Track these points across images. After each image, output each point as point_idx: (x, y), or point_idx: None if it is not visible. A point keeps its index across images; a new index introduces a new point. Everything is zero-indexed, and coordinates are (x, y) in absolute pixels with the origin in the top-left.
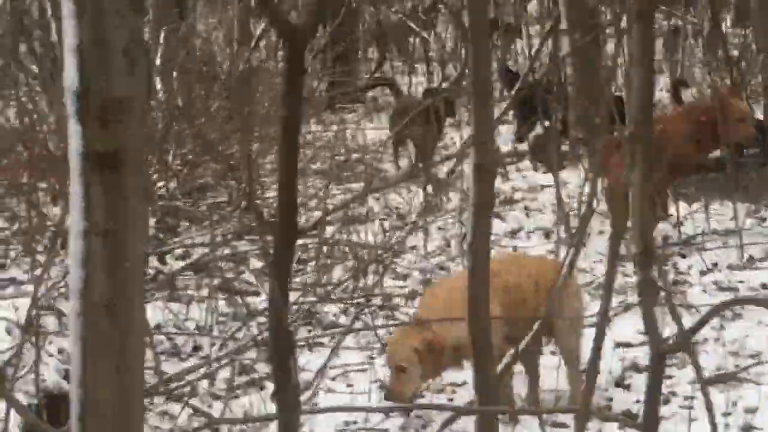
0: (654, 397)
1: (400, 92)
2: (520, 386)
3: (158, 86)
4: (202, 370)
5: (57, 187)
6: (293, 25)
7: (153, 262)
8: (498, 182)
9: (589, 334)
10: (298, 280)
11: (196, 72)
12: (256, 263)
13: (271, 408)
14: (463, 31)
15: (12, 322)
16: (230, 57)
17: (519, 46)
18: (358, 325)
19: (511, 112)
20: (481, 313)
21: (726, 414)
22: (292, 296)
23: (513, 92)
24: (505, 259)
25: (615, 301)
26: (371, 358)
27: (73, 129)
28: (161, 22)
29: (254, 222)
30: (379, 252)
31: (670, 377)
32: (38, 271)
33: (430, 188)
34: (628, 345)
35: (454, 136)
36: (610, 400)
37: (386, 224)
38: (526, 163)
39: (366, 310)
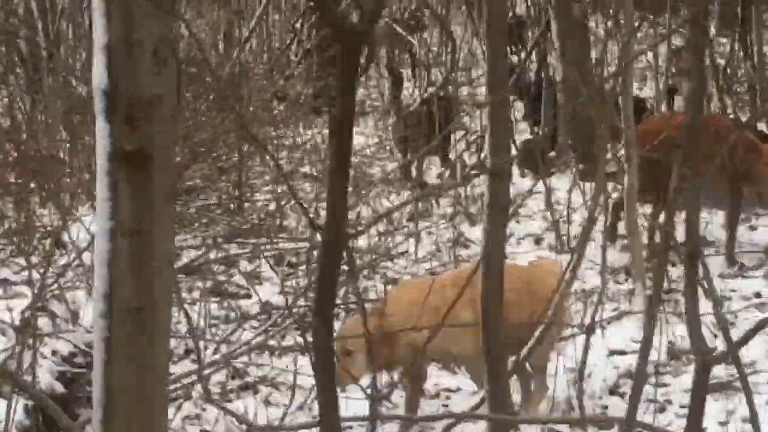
0: (697, 408)
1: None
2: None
3: None
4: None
5: (46, 188)
6: (348, 28)
7: None
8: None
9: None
10: (289, 284)
11: (185, 73)
12: (247, 266)
13: (269, 413)
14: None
15: (6, 324)
16: (218, 58)
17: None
18: None
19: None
20: (494, 322)
21: (723, 423)
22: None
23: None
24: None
25: (608, 308)
26: None
27: (101, 127)
28: None
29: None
30: (372, 257)
31: (666, 385)
32: (33, 273)
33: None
34: (621, 353)
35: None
36: (605, 407)
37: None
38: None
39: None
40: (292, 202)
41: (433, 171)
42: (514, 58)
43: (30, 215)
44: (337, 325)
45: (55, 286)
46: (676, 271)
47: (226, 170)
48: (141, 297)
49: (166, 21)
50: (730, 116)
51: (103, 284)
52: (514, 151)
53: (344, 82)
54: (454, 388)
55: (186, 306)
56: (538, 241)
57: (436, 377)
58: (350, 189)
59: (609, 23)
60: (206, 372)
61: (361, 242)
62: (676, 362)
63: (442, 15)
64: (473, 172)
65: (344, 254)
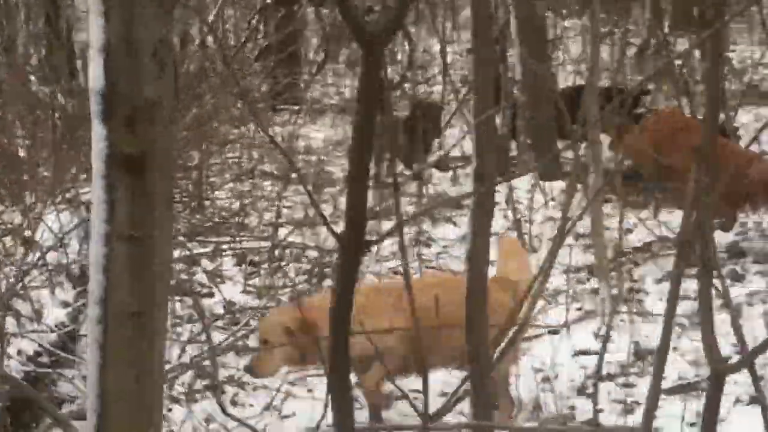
0: (711, 418)
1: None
2: None
3: None
4: None
5: (7, 185)
6: (370, 31)
7: None
8: (448, 187)
9: (552, 343)
10: (251, 282)
11: None
12: (209, 264)
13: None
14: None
15: None
16: (178, 57)
17: None
18: None
19: None
20: (479, 325)
21: (691, 424)
22: (246, 299)
23: None
24: (428, 280)
25: (572, 308)
26: None
27: (98, 130)
28: None
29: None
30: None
31: (632, 386)
32: None
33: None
34: (586, 353)
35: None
36: (573, 408)
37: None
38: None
39: None
40: (309, 209)
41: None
42: None
43: None
44: None
45: (20, 285)
46: (636, 272)
47: (186, 168)
48: (141, 301)
49: (167, 21)
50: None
51: (99, 289)
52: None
53: (366, 88)
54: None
55: None
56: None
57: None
58: (311, 187)
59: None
60: (173, 374)
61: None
62: (642, 362)
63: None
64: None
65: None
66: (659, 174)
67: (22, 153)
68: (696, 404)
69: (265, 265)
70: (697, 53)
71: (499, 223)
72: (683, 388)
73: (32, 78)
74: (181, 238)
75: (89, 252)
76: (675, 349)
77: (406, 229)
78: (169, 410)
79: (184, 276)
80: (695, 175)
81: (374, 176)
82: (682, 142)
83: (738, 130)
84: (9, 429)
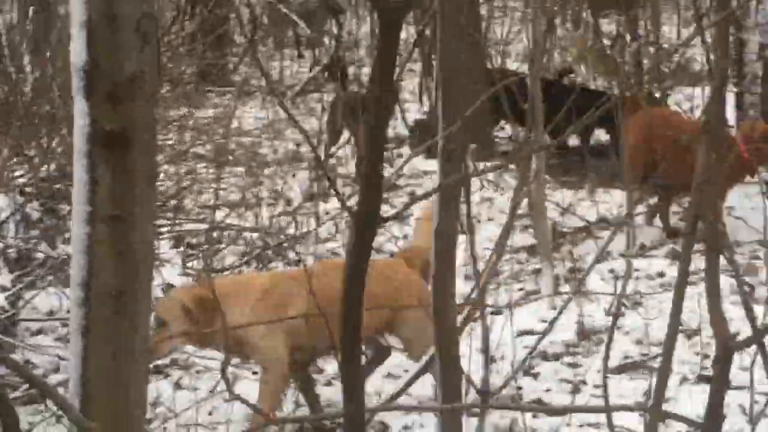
0: (719, 395)
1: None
2: None
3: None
4: None
5: None
6: (389, 2)
7: (41, 246)
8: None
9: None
10: (190, 265)
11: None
12: None
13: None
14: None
15: None
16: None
17: None
18: None
19: None
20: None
21: (640, 404)
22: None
23: None
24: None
25: (514, 288)
26: None
27: (80, 107)
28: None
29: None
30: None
31: (577, 366)
32: None
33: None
34: (530, 332)
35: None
36: (520, 388)
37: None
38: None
39: None
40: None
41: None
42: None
43: None
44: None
45: None
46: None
47: None
48: (124, 282)
49: None
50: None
51: (81, 271)
52: (406, 131)
53: (384, 60)
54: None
55: None
56: None
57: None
58: (244, 170)
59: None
60: None
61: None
62: (587, 342)
63: None
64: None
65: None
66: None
67: None
68: (643, 383)
69: (203, 248)
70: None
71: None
72: (630, 367)
73: None
74: None
75: (71, 232)
76: (619, 328)
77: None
78: None
79: None
80: (703, 151)
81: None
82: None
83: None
84: None
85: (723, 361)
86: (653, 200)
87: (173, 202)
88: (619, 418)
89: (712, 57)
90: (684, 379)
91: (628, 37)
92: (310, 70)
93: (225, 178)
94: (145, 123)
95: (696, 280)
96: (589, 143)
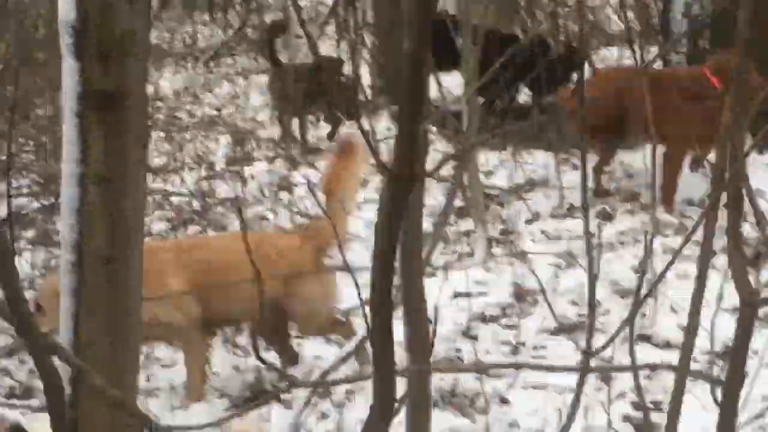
0: (743, 348)
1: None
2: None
3: None
4: None
5: None
6: None
7: None
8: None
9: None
10: None
11: None
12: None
13: None
14: None
15: None
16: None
17: None
18: None
19: None
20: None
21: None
22: None
23: None
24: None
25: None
26: None
27: (69, 66)
28: None
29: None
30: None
31: (514, 327)
32: None
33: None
34: (467, 295)
35: None
36: (459, 350)
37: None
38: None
39: None
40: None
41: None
42: None
43: None
44: None
45: None
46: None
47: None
48: (116, 246)
49: None
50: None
51: (72, 233)
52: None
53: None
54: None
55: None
56: (364, 183)
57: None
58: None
59: None
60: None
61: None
62: (522, 303)
63: None
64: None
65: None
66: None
67: None
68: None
69: None
70: None
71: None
72: (568, 329)
73: None
74: (36, 188)
75: (62, 195)
76: (554, 290)
77: (267, 174)
78: None
79: (48, 226)
80: (730, 102)
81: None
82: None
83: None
84: None
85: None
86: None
87: None
88: (557, 378)
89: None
90: (623, 339)
91: None
92: (225, 34)
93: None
94: (138, 83)
95: (627, 241)
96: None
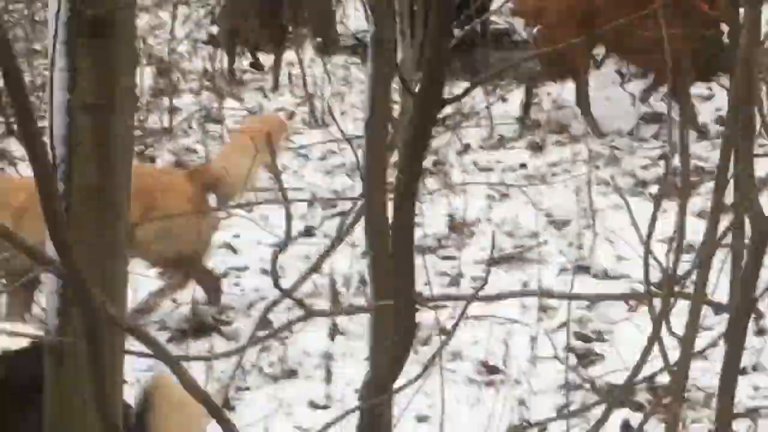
0: (753, 277)
1: None
2: None
3: None
4: None
5: None
6: None
7: None
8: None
9: None
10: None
11: None
12: None
13: None
14: None
15: None
16: None
17: None
18: None
19: None
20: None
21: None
22: None
23: None
24: None
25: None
26: None
27: None
28: None
29: None
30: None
31: (453, 258)
32: None
33: None
34: None
35: None
36: None
37: None
38: None
39: None
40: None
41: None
42: None
43: None
44: None
45: None
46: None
47: None
48: (106, 176)
49: None
50: None
51: (61, 164)
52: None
53: None
54: (242, 266)
55: None
56: (291, 115)
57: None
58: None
59: None
60: None
61: None
62: (459, 235)
63: None
64: None
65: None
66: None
67: None
68: (520, 274)
69: None
70: None
71: (285, 98)
72: (507, 259)
73: None
74: None
75: (49, 123)
76: (489, 220)
77: (193, 106)
78: None
79: None
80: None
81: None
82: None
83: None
84: None
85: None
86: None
87: None
88: (500, 309)
89: None
90: (561, 270)
91: None
92: None
93: None
94: (127, 10)
95: (558, 172)
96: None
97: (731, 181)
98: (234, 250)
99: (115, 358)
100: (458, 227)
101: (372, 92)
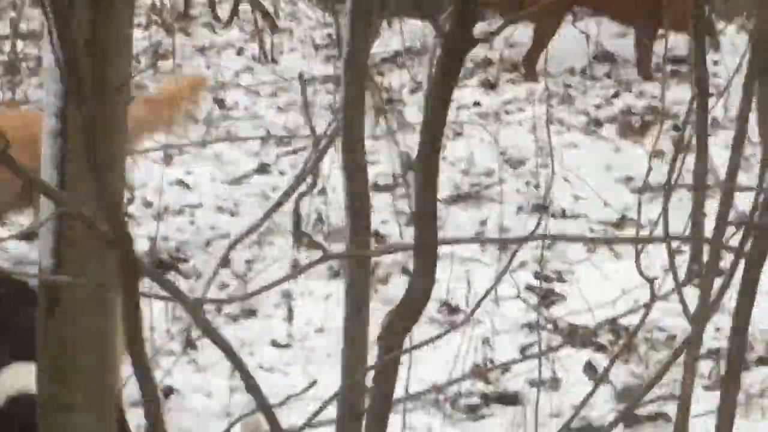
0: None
1: None
2: None
3: None
4: None
5: None
6: None
7: None
8: None
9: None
10: None
11: None
12: None
13: None
14: None
15: None
16: None
17: None
18: None
19: None
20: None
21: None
22: None
23: None
24: None
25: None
26: None
27: None
28: None
29: None
30: None
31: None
32: None
33: None
34: None
35: None
36: None
37: None
38: None
39: None
40: None
41: None
42: None
43: None
44: None
45: None
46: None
47: None
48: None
49: None
50: None
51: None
52: None
53: None
54: (196, 203)
55: None
56: (240, 51)
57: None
58: None
59: None
60: None
61: None
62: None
63: None
64: None
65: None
66: None
67: None
68: (477, 212)
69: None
70: None
71: (233, 34)
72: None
73: None
74: None
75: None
76: (444, 159)
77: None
78: None
79: None
80: None
81: None
82: None
83: None
84: None
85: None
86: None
87: None
88: (458, 248)
89: None
90: (519, 209)
91: None
92: None
93: None
94: None
95: (512, 110)
96: None
97: None
98: (188, 187)
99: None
100: (410, 165)
101: (352, 25)
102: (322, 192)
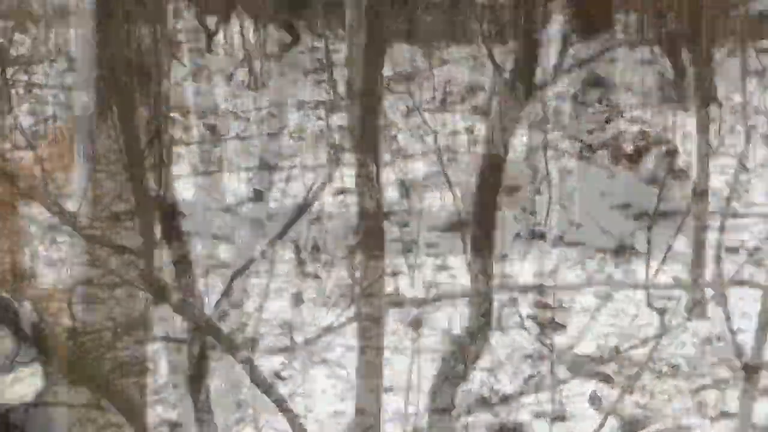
0: None
1: None
2: None
3: None
4: None
5: None
6: None
7: None
8: None
9: None
10: None
11: None
12: None
13: None
14: None
15: None
16: None
17: None
18: None
19: None
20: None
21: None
22: None
23: None
24: None
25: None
26: None
27: None
28: None
29: None
30: None
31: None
32: None
33: None
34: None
35: None
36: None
37: None
38: None
39: None
40: None
41: None
42: None
43: None
44: None
45: None
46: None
47: None
48: None
49: None
50: None
51: None
52: None
53: None
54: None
55: None
56: (230, 76)
57: None
58: None
59: None
60: None
61: None
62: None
63: None
64: None
65: None
66: None
67: None
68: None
69: None
70: None
71: (222, 59)
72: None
73: None
74: None
75: None
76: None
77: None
78: None
79: None
80: None
81: None
82: None
83: None
84: None
85: None
86: None
87: None
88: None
89: None
90: (517, 236)
91: None
92: None
93: None
94: None
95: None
96: None
97: None
98: (182, 214)
99: None
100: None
101: (367, 55)
102: (317, 220)
